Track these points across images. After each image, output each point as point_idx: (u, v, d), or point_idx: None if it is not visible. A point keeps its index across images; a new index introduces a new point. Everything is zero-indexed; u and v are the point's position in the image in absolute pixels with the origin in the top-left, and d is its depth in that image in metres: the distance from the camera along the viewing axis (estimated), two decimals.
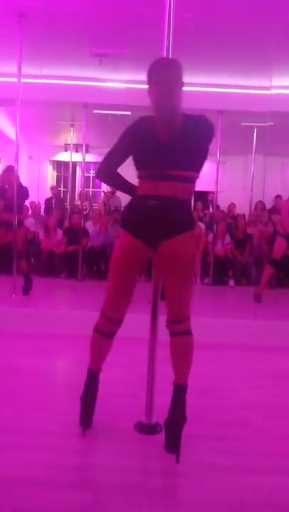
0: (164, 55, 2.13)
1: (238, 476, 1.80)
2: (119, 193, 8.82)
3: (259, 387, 2.75)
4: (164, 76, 1.86)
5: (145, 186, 1.91)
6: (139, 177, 1.95)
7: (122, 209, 2.03)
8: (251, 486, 1.73)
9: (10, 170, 5.16)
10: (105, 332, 2.10)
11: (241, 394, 2.61)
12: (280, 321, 4.10)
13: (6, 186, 5.04)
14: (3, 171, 5.04)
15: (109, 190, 8.87)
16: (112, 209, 7.97)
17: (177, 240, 1.87)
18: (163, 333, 2.23)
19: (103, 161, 2.02)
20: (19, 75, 4.80)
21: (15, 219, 4.95)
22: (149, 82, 1.90)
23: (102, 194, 9.06)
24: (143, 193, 1.91)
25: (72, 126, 8.58)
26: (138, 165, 1.94)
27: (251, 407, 2.45)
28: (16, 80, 4.81)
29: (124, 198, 8.65)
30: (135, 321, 3.59)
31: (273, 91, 6.40)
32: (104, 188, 9.59)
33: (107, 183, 2.07)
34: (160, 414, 2.18)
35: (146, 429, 2.11)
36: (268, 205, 8.39)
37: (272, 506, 1.63)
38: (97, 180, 10.55)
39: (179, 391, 1.97)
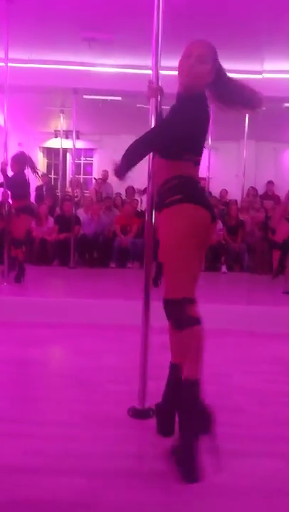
0: (154, 40, 2.09)
1: (234, 460, 1.82)
2: (110, 180, 8.78)
3: (254, 372, 2.78)
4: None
5: (191, 171, 1.84)
6: (184, 160, 1.82)
7: (178, 186, 1.81)
8: (247, 470, 1.76)
9: (20, 159, 4.94)
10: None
11: (236, 380, 2.63)
12: (274, 307, 4.13)
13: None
14: (12, 159, 4.86)
15: (101, 177, 8.81)
16: (103, 196, 7.92)
17: None
18: (155, 320, 2.23)
19: (165, 132, 1.84)
20: (6, 59, 4.71)
21: (5, 207, 4.91)
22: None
23: (94, 181, 9.01)
24: (191, 175, 1.84)
25: (62, 112, 8.47)
26: (193, 149, 1.85)
27: (246, 392, 2.47)
28: (3, 64, 4.73)
29: (116, 185, 8.61)
30: (128, 308, 3.60)
31: (265, 75, 6.36)
32: (96, 174, 9.53)
33: (141, 159, 1.86)
34: (153, 400, 2.19)
35: (139, 414, 2.13)
36: (260, 191, 8.39)
37: (267, 490, 1.65)
38: (88, 167, 10.47)
39: (177, 372, 1.93)
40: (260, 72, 6.25)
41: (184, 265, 1.75)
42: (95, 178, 9.07)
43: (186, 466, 1.60)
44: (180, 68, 1.87)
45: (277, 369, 2.90)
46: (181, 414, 1.68)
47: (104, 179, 8.71)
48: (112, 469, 1.71)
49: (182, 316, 1.73)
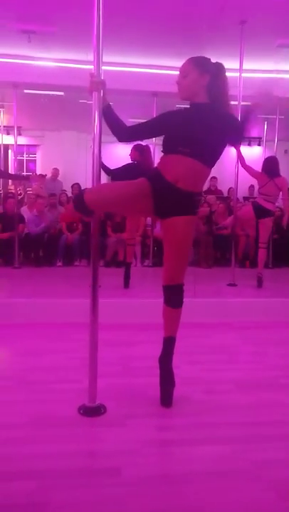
0: (95, 35, 2.08)
1: (179, 449, 1.87)
2: (61, 178, 8.62)
3: (198, 362, 2.85)
4: None
5: None
6: None
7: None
8: (195, 457, 1.80)
9: None
10: None
11: (182, 370, 2.68)
12: (215, 299, 4.26)
13: None
14: None
15: (46, 174, 8.64)
16: (47, 194, 7.76)
17: None
18: (103, 316, 2.24)
19: None
20: None
21: None
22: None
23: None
24: None
25: (2, 107, 8.20)
26: None
27: (192, 382, 2.53)
28: None
29: (65, 183, 8.42)
30: (75, 306, 3.57)
31: None
32: (39, 171, 9.32)
33: None
34: (103, 397, 2.20)
35: (90, 411, 2.12)
36: (204, 187, 8.57)
37: (213, 474, 1.71)
38: (31, 164, 10.22)
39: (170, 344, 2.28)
40: None
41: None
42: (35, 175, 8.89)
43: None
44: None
45: (219, 358, 3.00)
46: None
47: (54, 177, 8.55)
48: (63, 469, 1.70)
49: (182, 296, 2.27)
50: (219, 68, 2.15)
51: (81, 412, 2.12)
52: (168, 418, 2.13)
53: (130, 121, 2.32)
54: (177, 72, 2.16)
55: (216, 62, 2.17)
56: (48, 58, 6.11)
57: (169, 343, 2.26)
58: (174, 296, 2.24)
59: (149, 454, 1.83)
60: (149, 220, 6.82)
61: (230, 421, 2.11)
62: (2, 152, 8.86)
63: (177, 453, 1.85)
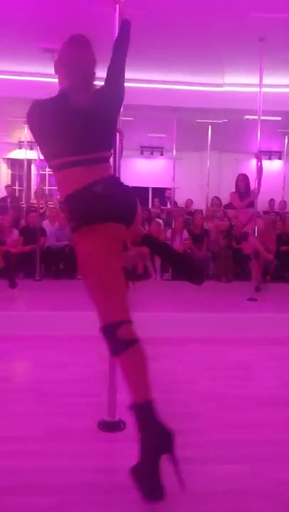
0: None
1: (198, 467, 1.84)
2: None
3: (218, 378, 2.81)
4: None
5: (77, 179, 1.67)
6: (66, 167, 1.72)
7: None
8: (211, 476, 1.77)
9: None
10: (134, 338, 1.62)
11: (201, 386, 2.66)
12: (235, 314, 4.21)
13: None
14: None
15: None
16: None
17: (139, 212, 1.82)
18: None
19: None
20: None
21: None
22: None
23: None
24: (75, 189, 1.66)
25: (26, 123, 8.39)
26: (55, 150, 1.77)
27: (212, 399, 2.49)
28: None
29: None
30: (97, 319, 3.57)
31: (226, 88, 6.54)
32: None
33: None
34: (123, 411, 2.18)
35: (109, 426, 2.11)
36: (224, 201, 8.54)
37: (233, 493, 1.67)
38: (52, 178, 10.38)
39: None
40: (221, 85, 6.41)
41: (102, 287, 1.73)
42: None
43: (147, 485, 1.52)
44: None
45: (240, 374, 2.95)
46: (140, 436, 1.57)
47: None
48: (84, 484, 1.69)
49: (114, 342, 1.60)
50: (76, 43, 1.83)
51: (101, 426, 2.11)
52: (188, 435, 2.10)
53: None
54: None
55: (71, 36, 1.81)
56: None
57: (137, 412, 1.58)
58: (108, 340, 1.63)
59: (169, 471, 1.80)
60: (169, 232, 6.84)
61: (251, 439, 2.07)
62: (26, 167, 9.03)
63: (197, 471, 1.82)
